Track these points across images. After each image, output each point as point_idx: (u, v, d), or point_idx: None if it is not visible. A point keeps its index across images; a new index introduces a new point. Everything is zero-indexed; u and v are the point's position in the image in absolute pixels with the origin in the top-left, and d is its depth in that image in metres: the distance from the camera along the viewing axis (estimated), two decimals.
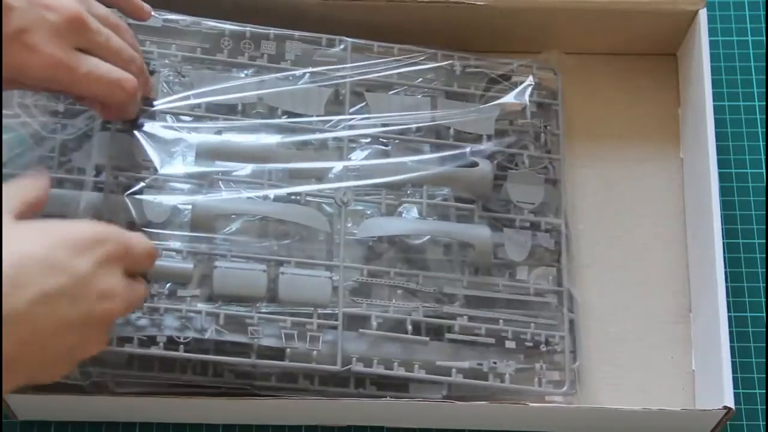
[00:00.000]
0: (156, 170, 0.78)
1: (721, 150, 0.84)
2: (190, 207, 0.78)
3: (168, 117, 0.80)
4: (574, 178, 0.88)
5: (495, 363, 0.79)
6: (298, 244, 0.79)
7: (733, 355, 0.79)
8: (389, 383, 0.78)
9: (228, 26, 0.84)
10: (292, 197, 0.80)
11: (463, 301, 0.81)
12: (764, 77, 0.92)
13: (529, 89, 0.87)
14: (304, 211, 0.80)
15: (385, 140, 0.84)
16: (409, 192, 0.83)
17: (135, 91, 0.71)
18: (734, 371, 0.77)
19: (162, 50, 0.83)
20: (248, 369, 0.77)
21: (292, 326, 0.76)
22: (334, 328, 0.77)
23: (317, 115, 0.83)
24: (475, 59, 0.87)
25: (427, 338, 0.79)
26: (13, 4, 0.66)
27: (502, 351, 0.80)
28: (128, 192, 0.77)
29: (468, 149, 0.84)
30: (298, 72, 0.84)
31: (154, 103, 0.80)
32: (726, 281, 0.79)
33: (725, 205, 0.87)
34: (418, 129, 0.84)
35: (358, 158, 0.82)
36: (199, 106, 0.81)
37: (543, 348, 0.81)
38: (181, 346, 0.75)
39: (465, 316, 0.80)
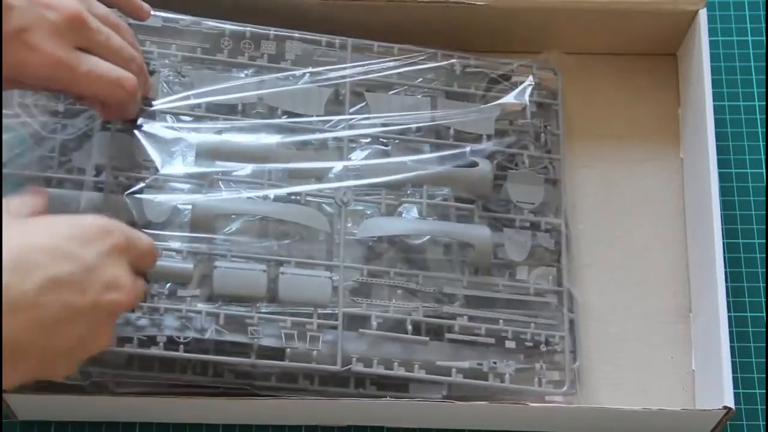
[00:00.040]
0: (156, 170, 0.78)
1: (721, 150, 0.84)
2: (190, 207, 0.78)
3: (168, 117, 0.80)
4: (574, 178, 0.88)
5: (495, 363, 0.79)
6: (298, 244, 0.79)
7: (733, 355, 0.79)
8: (389, 383, 0.78)
9: (228, 26, 0.84)
10: (292, 197, 0.80)
11: (463, 301, 0.81)
12: (764, 77, 0.92)
13: (529, 89, 0.87)
14: (304, 211, 0.80)
15: (385, 140, 0.84)
16: (409, 192, 0.83)
17: (135, 90, 0.71)
18: (734, 371, 0.77)
19: (162, 50, 0.83)
20: (248, 369, 0.77)
21: (292, 326, 0.76)
22: (334, 328, 0.77)
23: (317, 115, 0.83)
24: (475, 59, 0.87)
25: (427, 338, 0.79)
26: (13, 3, 0.66)
27: (502, 351, 0.80)
28: (128, 192, 0.77)
29: (468, 149, 0.84)
30: (298, 72, 0.84)
31: (154, 102, 0.80)
32: (726, 281, 0.79)
33: (725, 205, 0.87)
34: (418, 129, 0.84)
35: (358, 158, 0.82)
36: (199, 106, 0.81)
37: (543, 348, 0.81)
38: (181, 346, 0.75)
39: (465, 316, 0.80)
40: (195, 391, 0.77)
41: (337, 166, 0.81)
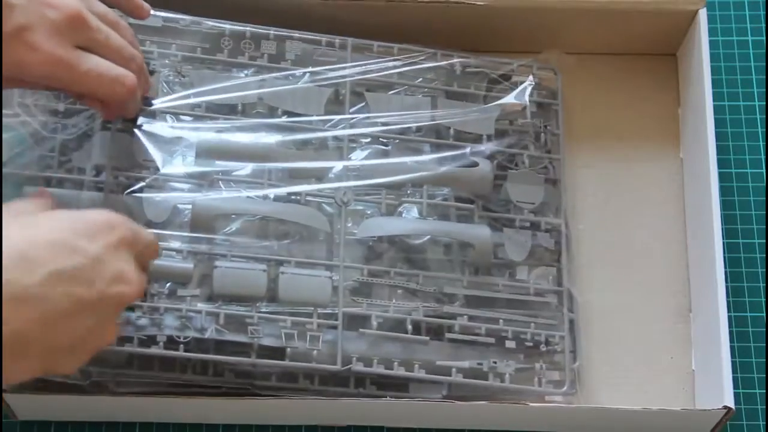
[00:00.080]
0: (156, 170, 0.78)
1: (721, 150, 0.84)
2: (190, 207, 0.78)
3: (168, 117, 0.80)
4: (574, 178, 0.88)
5: (495, 363, 0.79)
6: (298, 243, 0.79)
7: (733, 355, 0.79)
8: (389, 383, 0.78)
9: (228, 26, 0.84)
10: (292, 197, 0.80)
11: (463, 301, 0.81)
12: (764, 77, 0.92)
13: (529, 89, 0.87)
14: (304, 211, 0.80)
15: (385, 140, 0.84)
16: (409, 192, 0.83)
17: (135, 89, 0.71)
18: (734, 371, 0.77)
19: (162, 50, 0.83)
20: (248, 368, 0.77)
21: (292, 326, 0.76)
22: (334, 327, 0.77)
23: (317, 115, 0.83)
24: (475, 59, 0.87)
25: (427, 338, 0.79)
26: (13, 2, 0.66)
27: (502, 351, 0.80)
28: (128, 191, 0.77)
29: (468, 149, 0.84)
30: (298, 72, 0.84)
31: (153, 102, 0.80)
32: (726, 281, 0.79)
33: (725, 205, 0.87)
34: (418, 129, 0.84)
35: (358, 158, 0.83)
36: (199, 105, 0.81)
37: (543, 348, 0.81)
38: (181, 345, 0.75)
39: (465, 316, 0.80)
40: (195, 391, 0.77)
41: (337, 166, 0.81)
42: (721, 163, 0.85)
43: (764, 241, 0.87)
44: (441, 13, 0.87)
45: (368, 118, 0.84)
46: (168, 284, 0.76)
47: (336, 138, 0.83)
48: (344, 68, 0.84)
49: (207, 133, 0.80)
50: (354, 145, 0.83)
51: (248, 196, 0.79)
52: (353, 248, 0.80)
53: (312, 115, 0.83)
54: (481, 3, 0.86)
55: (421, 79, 0.86)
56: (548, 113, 0.88)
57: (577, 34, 0.90)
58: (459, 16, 0.87)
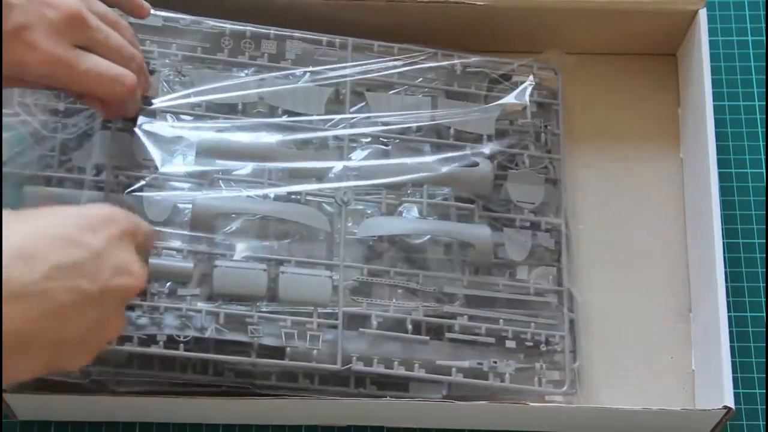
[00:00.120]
0: (156, 169, 0.78)
1: (721, 150, 0.84)
2: (190, 206, 0.78)
3: (168, 116, 0.80)
4: (574, 178, 0.88)
5: (495, 362, 0.79)
6: (298, 243, 0.79)
7: (733, 355, 0.79)
8: (389, 382, 0.78)
9: (228, 26, 0.84)
10: (293, 196, 0.80)
11: (464, 301, 0.81)
12: (764, 77, 0.92)
13: (530, 89, 0.87)
14: (305, 211, 0.80)
15: (385, 140, 0.84)
16: (409, 191, 0.83)
17: (134, 88, 0.71)
18: (734, 371, 0.77)
19: (162, 49, 0.83)
20: (248, 368, 0.77)
21: (292, 325, 0.76)
22: (335, 327, 0.77)
23: (317, 115, 0.83)
24: (475, 59, 0.87)
25: (428, 337, 0.79)
26: (12, 1, 0.66)
27: (502, 350, 0.80)
28: (128, 191, 0.77)
29: (468, 149, 0.84)
30: (299, 71, 0.84)
31: (154, 101, 0.80)
32: (726, 281, 0.79)
33: (725, 205, 0.87)
34: (419, 129, 0.84)
35: (358, 158, 0.83)
36: (199, 105, 0.81)
37: (543, 347, 0.81)
38: (181, 344, 0.75)
39: (465, 316, 0.80)
40: (195, 391, 0.77)
41: (338, 165, 0.82)
42: (721, 163, 0.85)
43: (764, 241, 0.87)
44: (441, 13, 0.87)
45: (368, 117, 0.84)
46: (168, 283, 0.76)
47: (336, 138, 0.83)
48: (345, 68, 0.84)
49: (207, 132, 0.80)
50: (354, 144, 0.83)
51: (248, 196, 0.79)
52: (353, 248, 0.80)
53: (312, 115, 0.83)
54: (481, 3, 0.86)
55: (421, 78, 0.86)
56: (548, 113, 0.88)
57: (577, 34, 0.90)
58: (459, 16, 0.87)
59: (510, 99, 0.86)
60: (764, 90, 0.92)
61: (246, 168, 0.80)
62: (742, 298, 0.85)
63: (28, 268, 0.57)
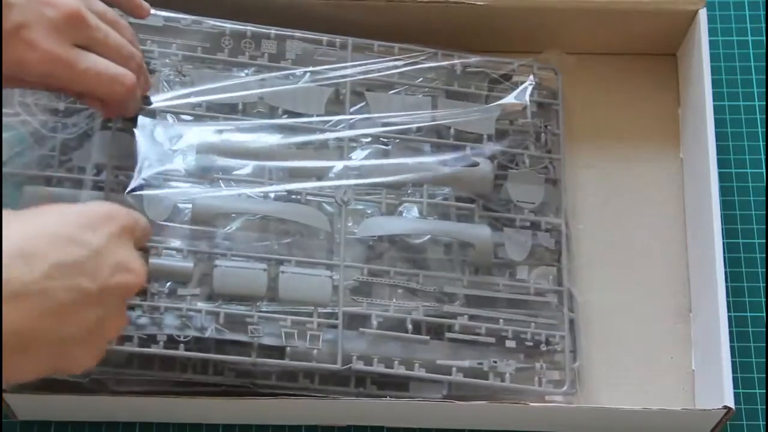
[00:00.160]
0: (156, 169, 0.78)
1: (721, 150, 0.85)
2: (190, 206, 0.78)
3: (168, 116, 0.80)
4: (574, 178, 0.88)
5: (495, 362, 0.79)
6: (298, 243, 0.79)
7: (733, 355, 0.79)
8: (389, 382, 0.78)
9: (229, 25, 0.84)
10: (293, 196, 0.80)
11: (464, 301, 0.81)
12: (764, 77, 0.92)
13: (530, 89, 0.87)
14: (305, 210, 0.80)
15: (385, 140, 0.84)
16: (409, 191, 0.83)
17: (134, 88, 0.71)
18: (734, 371, 0.77)
19: (163, 49, 0.83)
20: (248, 368, 0.76)
21: (293, 325, 0.76)
22: (335, 327, 0.77)
23: (318, 115, 0.83)
24: (475, 59, 0.87)
25: (428, 337, 0.79)
26: (12, 0, 0.66)
27: (502, 350, 0.80)
28: (128, 190, 0.77)
29: (468, 149, 0.84)
30: (299, 71, 0.84)
31: (154, 101, 0.80)
32: (726, 281, 0.79)
33: (725, 205, 0.87)
34: (419, 129, 0.84)
35: (358, 158, 0.83)
36: (199, 105, 0.81)
37: (543, 347, 0.81)
38: (182, 344, 0.75)
39: (465, 316, 0.80)
40: (195, 391, 0.77)
41: (338, 165, 0.81)
42: (721, 163, 0.85)
43: (764, 241, 0.87)
44: (441, 13, 0.87)
45: (369, 118, 0.84)
46: (168, 283, 0.76)
47: (336, 138, 0.83)
48: (345, 68, 0.84)
49: (207, 132, 0.80)
50: (354, 144, 0.83)
51: (248, 196, 0.79)
52: (353, 247, 0.80)
53: (312, 115, 0.83)
54: (481, 3, 0.86)
55: (421, 78, 0.86)
56: (548, 113, 0.88)
57: (577, 34, 0.90)
58: (459, 16, 0.87)
59: (510, 99, 0.86)
60: (764, 90, 0.92)
61: (246, 168, 0.80)
62: (742, 298, 0.85)
63: (28, 267, 0.57)
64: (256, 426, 0.81)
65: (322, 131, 0.82)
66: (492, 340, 0.80)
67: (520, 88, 0.87)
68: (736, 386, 0.78)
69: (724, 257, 0.80)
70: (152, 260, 0.75)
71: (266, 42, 0.84)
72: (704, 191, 0.82)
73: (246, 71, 0.84)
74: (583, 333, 0.83)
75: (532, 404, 0.78)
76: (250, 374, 0.77)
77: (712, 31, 0.91)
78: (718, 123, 0.86)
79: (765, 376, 0.83)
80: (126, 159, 0.78)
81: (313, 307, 0.77)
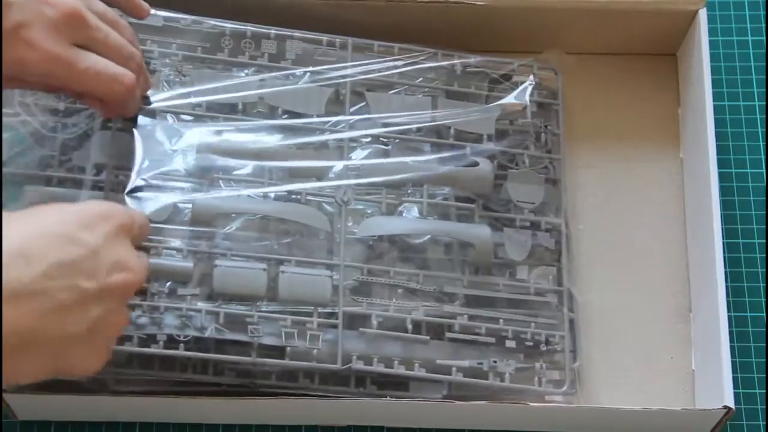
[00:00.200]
0: (156, 169, 0.78)
1: (721, 150, 0.85)
2: (190, 206, 0.78)
3: (168, 116, 0.80)
4: (574, 178, 0.88)
5: (495, 362, 0.79)
6: (298, 242, 0.79)
7: (733, 355, 0.79)
8: (389, 382, 0.78)
9: (229, 25, 0.84)
10: (293, 196, 0.80)
11: (464, 301, 0.81)
12: (764, 77, 0.92)
13: (530, 89, 0.87)
14: (305, 210, 0.80)
15: (385, 140, 0.84)
16: (409, 191, 0.83)
17: (133, 87, 0.71)
18: (734, 371, 0.77)
19: (163, 49, 0.83)
20: (248, 367, 0.76)
21: (293, 325, 0.76)
22: (335, 326, 0.77)
23: (318, 115, 0.83)
24: (475, 59, 0.87)
25: (428, 337, 0.79)
26: None
27: (502, 350, 0.80)
28: (128, 190, 0.77)
29: (468, 149, 0.84)
30: (299, 71, 0.84)
31: (154, 101, 0.80)
32: (726, 281, 0.79)
33: (725, 205, 0.87)
34: (419, 129, 0.84)
35: (358, 158, 0.83)
36: (199, 105, 0.81)
37: (543, 347, 0.81)
38: (181, 344, 0.75)
39: (465, 316, 0.80)
40: (195, 391, 0.77)
41: (338, 165, 0.81)
42: (721, 163, 0.85)
43: (764, 241, 0.87)
44: (441, 13, 0.87)
45: (369, 118, 0.84)
46: (168, 283, 0.76)
47: (336, 138, 0.83)
48: (345, 68, 0.84)
49: (207, 132, 0.80)
50: (354, 144, 0.83)
51: (248, 195, 0.79)
52: (353, 247, 0.80)
53: (312, 115, 0.83)
54: (481, 3, 0.86)
55: (421, 78, 0.86)
56: (548, 113, 0.88)
57: (577, 34, 0.90)
58: (459, 16, 0.87)
59: (510, 99, 0.86)
60: (764, 90, 0.92)
61: (246, 168, 0.80)
62: (742, 298, 0.85)
63: (27, 268, 0.57)
64: (256, 426, 0.81)
65: (322, 131, 0.82)
66: (492, 340, 0.80)
67: (520, 88, 0.87)
68: (736, 386, 0.78)
69: (724, 257, 0.80)
70: (152, 260, 0.74)
71: (266, 42, 0.84)
72: (704, 191, 0.82)
73: (246, 71, 0.84)
74: (583, 333, 0.83)
75: (532, 404, 0.78)
76: (250, 374, 0.77)
77: (712, 31, 0.91)
78: (718, 123, 0.86)
79: (765, 376, 0.83)
80: (126, 159, 0.78)
81: (313, 307, 0.77)
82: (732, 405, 0.75)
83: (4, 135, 0.79)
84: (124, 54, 0.72)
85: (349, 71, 0.84)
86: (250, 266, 0.77)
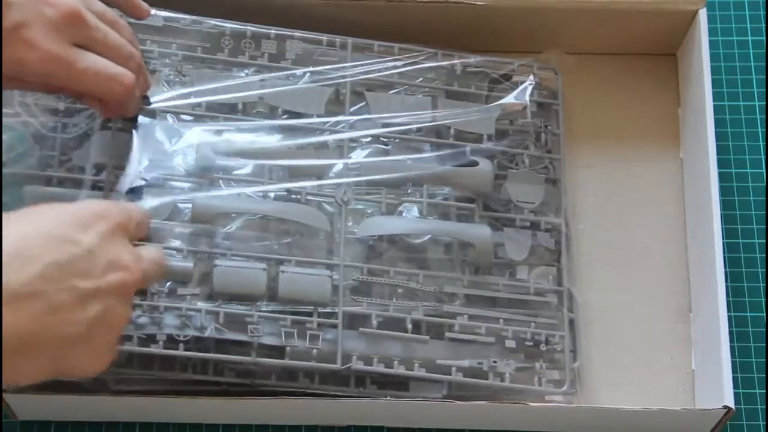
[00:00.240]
0: (156, 169, 0.78)
1: (721, 150, 0.84)
2: (190, 206, 0.78)
3: (168, 116, 0.80)
4: (574, 178, 0.88)
5: (495, 362, 0.79)
6: (298, 242, 0.79)
7: (733, 355, 0.79)
8: (389, 382, 0.78)
9: (229, 25, 0.84)
10: (293, 196, 0.80)
11: (464, 300, 0.81)
12: (764, 77, 0.92)
13: (530, 89, 0.87)
14: (305, 210, 0.80)
15: (385, 140, 0.84)
16: (409, 191, 0.83)
17: (133, 87, 0.71)
18: (734, 371, 0.77)
19: (162, 49, 0.83)
20: (248, 367, 0.76)
21: (292, 325, 0.76)
22: (335, 326, 0.77)
23: (318, 115, 0.83)
24: (475, 59, 0.87)
25: (428, 337, 0.79)
26: None
27: (502, 350, 0.80)
28: (128, 190, 0.77)
29: (468, 149, 0.84)
30: (299, 71, 0.84)
31: (153, 101, 0.80)
32: (726, 281, 0.79)
33: (725, 205, 0.87)
34: (419, 129, 0.84)
35: (358, 158, 0.83)
36: (199, 105, 0.81)
37: (543, 347, 0.81)
38: (181, 344, 0.75)
39: (465, 315, 0.80)
40: (195, 390, 0.77)
41: (338, 164, 0.81)
42: (721, 163, 0.85)
43: (764, 241, 0.87)
44: (441, 13, 0.87)
45: (369, 118, 0.84)
46: (168, 283, 0.76)
47: (336, 138, 0.83)
48: (345, 68, 0.84)
49: (207, 132, 0.80)
50: (354, 144, 0.83)
51: (248, 195, 0.79)
52: (353, 247, 0.80)
53: (312, 115, 0.83)
54: (481, 3, 0.86)
55: (421, 78, 0.86)
56: (548, 113, 0.88)
57: (577, 34, 0.90)
58: (459, 16, 0.87)
59: (510, 99, 0.86)
60: (764, 90, 0.92)
61: (246, 167, 0.80)
62: (742, 298, 0.85)
63: (23, 269, 0.57)
64: (256, 426, 0.81)
65: (322, 131, 0.82)
66: (492, 340, 0.80)
67: (520, 88, 0.87)
68: (736, 386, 0.78)
69: (724, 257, 0.80)
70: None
71: (266, 42, 0.84)
72: (704, 191, 0.82)
73: (246, 71, 0.84)
74: (583, 333, 0.83)
75: (532, 404, 0.77)
76: (249, 374, 0.77)
77: (712, 31, 0.91)
78: (718, 123, 0.86)
79: (765, 376, 0.83)
80: (126, 159, 0.78)
81: (312, 307, 0.77)
82: (732, 405, 0.75)
83: (4, 135, 0.79)
84: (124, 54, 0.72)
85: (349, 71, 0.84)
86: (250, 266, 0.77)
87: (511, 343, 0.80)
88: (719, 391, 0.76)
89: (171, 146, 0.79)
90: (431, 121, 0.84)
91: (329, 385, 0.77)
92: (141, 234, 0.67)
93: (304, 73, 0.84)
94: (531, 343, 0.80)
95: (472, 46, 0.89)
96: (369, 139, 0.83)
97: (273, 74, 0.83)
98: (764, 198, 0.88)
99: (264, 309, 0.76)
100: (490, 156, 0.84)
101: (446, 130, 0.85)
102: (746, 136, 0.90)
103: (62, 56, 0.68)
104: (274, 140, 0.81)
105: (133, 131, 0.79)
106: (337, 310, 0.78)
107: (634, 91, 0.91)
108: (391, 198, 0.82)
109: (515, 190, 0.84)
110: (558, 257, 0.84)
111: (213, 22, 0.84)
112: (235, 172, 0.80)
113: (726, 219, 0.87)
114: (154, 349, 0.74)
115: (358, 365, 0.77)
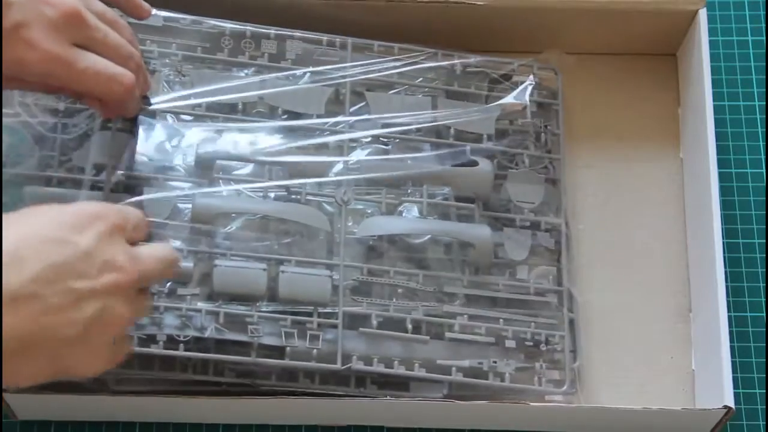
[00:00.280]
0: (156, 169, 0.78)
1: (721, 150, 0.84)
2: (190, 206, 0.78)
3: (168, 116, 0.80)
4: (574, 178, 0.88)
5: (495, 362, 0.79)
6: (298, 242, 0.79)
7: (733, 355, 0.79)
8: (389, 382, 0.78)
9: (228, 25, 0.84)
10: (293, 196, 0.80)
11: (464, 300, 0.81)
12: (764, 77, 0.92)
13: (530, 89, 0.87)
14: (305, 210, 0.80)
15: (385, 140, 0.84)
16: (409, 191, 0.83)
17: (133, 87, 0.71)
18: (734, 371, 0.77)
19: (162, 49, 0.83)
20: (248, 367, 0.76)
21: (293, 325, 0.76)
22: (335, 326, 0.77)
23: (318, 115, 0.83)
24: (475, 59, 0.87)
25: (428, 337, 0.79)
26: None
27: (502, 350, 0.80)
28: (127, 190, 0.77)
29: (468, 149, 0.84)
30: (299, 71, 0.84)
31: (153, 101, 0.80)
32: (726, 281, 0.79)
33: (725, 205, 0.87)
34: (419, 129, 0.84)
35: (358, 157, 0.82)
36: (199, 105, 0.81)
37: (543, 347, 0.81)
38: (181, 344, 0.75)
39: (465, 315, 0.80)
40: (195, 390, 0.77)
41: (338, 164, 0.81)
42: (721, 163, 0.85)
43: (764, 241, 0.87)
44: (441, 13, 0.87)
45: (368, 118, 0.84)
46: (168, 283, 0.76)
47: (336, 138, 0.83)
48: (345, 68, 0.84)
49: (207, 132, 0.80)
50: (354, 144, 0.83)
51: (248, 195, 0.79)
52: (353, 247, 0.80)
53: (312, 115, 0.83)
54: (481, 3, 0.86)
55: (421, 78, 0.86)
56: (548, 113, 0.88)
57: (577, 34, 0.90)
58: (459, 16, 0.87)
59: (510, 99, 0.86)
60: (764, 90, 0.92)
61: (246, 168, 0.80)
62: (742, 298, 0.85)
63: (18, 271, 0.57)
64: (256, 426, 0.81)
65: (322, 131, 0.82)
66: (492, 339, 0.80)
67: (520, 88, 0.87)
68: (736, 386, 0.78)
69: (724, 257, 0.80)
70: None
71: (266, 42, 0.84)
72: (704, 191, 0.82)
73: (246, 71, 0.84)
74: (583, 333, 0.83)
75: (532, 404, 0.78)
76: (250, 374, 0.77)
77: (712, 31, 0.91)
78: (718, 123, 0.86)
79: (765, 376, 0.83)
80: (126, 159, 0.78)
81: (313, 307, 0.77)
82: (732, 405, 0.75)
83: (5, 135, 0.79)
84: (123, 54, 0.72)
85: (349, 71, 0.84)
86: (250, 266, 0.77)
87: (511, 343, 0.80)
88: (719, 391, 0.76)
89: (171, 146, 0.79)
90: (431, 121, 0.84)
91: (329, 385, 0.77)
92: (138, 235, 0.67)
93: (304, 73, 0.84)
94: (531, 343, 0.80)
95: (472, 46, 0.89)
96: (369, 139, 0.83)
97: (273, 74, 0.83)
98: (764, 198, 0.88)
99: (264, 309, 0.76)
100: (490, 156, 0.84)
101: (446, 130, 0.85)
102: (746, 136, 0.90)
103: (62, 56, 0.68)
104: (274, 140, 0.81)
105: (133, 131, 0.78)
106: (337, 310, 0.78)
107: (634, 91, 0.91)
108: (391, 198, 0.82)
109: (515, 190, 0.84)
110: (558, 257, 0.84)
111: (213, 22, 0.84)
112: (235, 172, 0.80)
113: (726, 219, 0.87)
114: (154, 350, 0.74)
115: (358, 365, 0.77)
